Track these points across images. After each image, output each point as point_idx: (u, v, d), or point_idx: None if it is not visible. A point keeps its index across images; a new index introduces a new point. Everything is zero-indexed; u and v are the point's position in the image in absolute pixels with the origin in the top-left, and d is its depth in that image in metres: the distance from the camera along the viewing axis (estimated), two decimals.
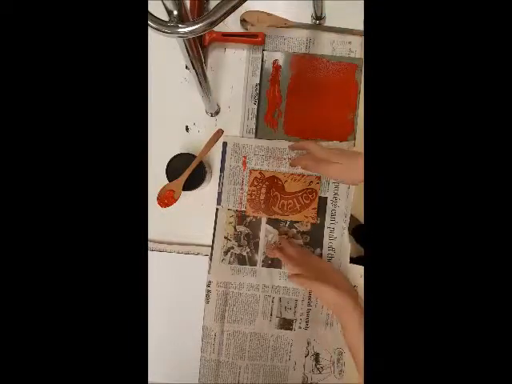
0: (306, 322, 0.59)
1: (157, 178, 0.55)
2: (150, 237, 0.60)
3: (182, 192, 0.54)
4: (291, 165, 0.59)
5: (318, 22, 0.60)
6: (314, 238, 0.60)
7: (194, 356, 0.59)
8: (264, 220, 0.60)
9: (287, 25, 0.60)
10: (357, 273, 0.58)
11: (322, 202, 0.59)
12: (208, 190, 0.60)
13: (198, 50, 0.40)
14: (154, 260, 0.59)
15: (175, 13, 0.32)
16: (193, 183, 0.54)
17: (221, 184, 0.60)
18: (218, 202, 0.60)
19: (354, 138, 0.60)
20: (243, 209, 0.60)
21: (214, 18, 0.31)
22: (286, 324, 0.59)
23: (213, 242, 0.60)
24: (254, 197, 0.59)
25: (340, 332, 0.57)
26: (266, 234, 0.60)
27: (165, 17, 0.32)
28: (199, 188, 0.55)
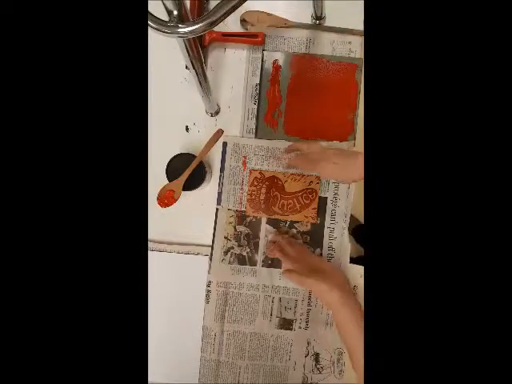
0: (306, 321, 0.59)
1: (157, 178, 0.55)
2: (150, 237, 0.60)
3: (182, 192, 0.54)
4: (288, 166, 0.59)
5: (318, 22, 0.60)
6: (314, 238, 0.60)
7: (194, 356, 0.59)
8: (264, 220, 0.60)
9: (287, 25, 0.60)
10: (357, 273, 0.58)
11: (322, 201, 0.59)
12: (208, 189, 0.60)
13: (198, 50, 0.40)
14: (154, 260, 0.59)
15: (175, 13, 0.32)
16: (193, 183, 0.54)
17: (221, 184, 0.60)
18: (218, 202, 0.60)
19: (354, 138, 0.60)
20: (243, 209, 0.60)
21: (214, 18, 0.31)
22: (286, 324, 0.59)
23: (213, 241, 0.60)
24: (254, 197, 0.59)
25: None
26: (266, 233, 0.60)
27: (165, 17, 0.32)
28: (199, 188, 0.55)
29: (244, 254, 0.60)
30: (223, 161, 0.60)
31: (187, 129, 0.61)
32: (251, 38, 0.59)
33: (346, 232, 0.59)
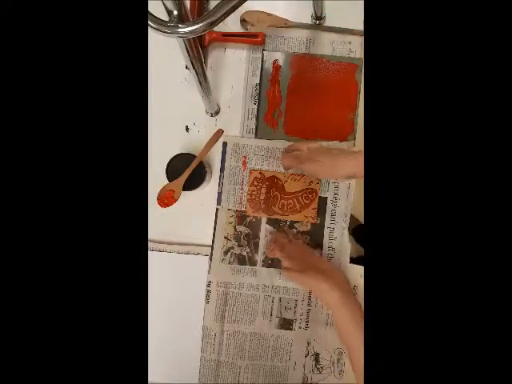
0: (306, 321, 0.59)
1: (157, 178, 0.54)
2: (150, 237, 0.60)
3: (182, 192, 0.54)
4: (283, 166, 0.59)
5: (318, 22, 0.60)
6: (314, 238, 0.60)
7: (194, 356, 0.59)
8: (264, 220, 0.60)
9: (287, 25, 0.60)
10: (357, 273, 0.58)
11: (322, 202, 0.59)
12: (208, 189, 0.60)
13: (198, 50, 0.40)
14: (154, 260, 0.59)
15: (175, 13, 0.32)
16: (193, 183, 0.54)
17: (221, 184, 0.60)
18: (218, 202, 0.60)
19: (354, 138, 0.60)
20: (243, 209, 0.60)
21: (214, 18, 0.31)
22: (286, 324, 0.59)
23: (213, 241, 0.60)
24: (254, 197, 0.59)
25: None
26: (266, 233, 0.60)
27: (165, 17, 0.32)
28: (199, 188, 0.55)
29: (244, 253, 0.60)
30: (223, 161, 0.60)
31: (187, 129, 0.61)
32: (251, 37, 0.59)
33: (346, 232, 0.59)
